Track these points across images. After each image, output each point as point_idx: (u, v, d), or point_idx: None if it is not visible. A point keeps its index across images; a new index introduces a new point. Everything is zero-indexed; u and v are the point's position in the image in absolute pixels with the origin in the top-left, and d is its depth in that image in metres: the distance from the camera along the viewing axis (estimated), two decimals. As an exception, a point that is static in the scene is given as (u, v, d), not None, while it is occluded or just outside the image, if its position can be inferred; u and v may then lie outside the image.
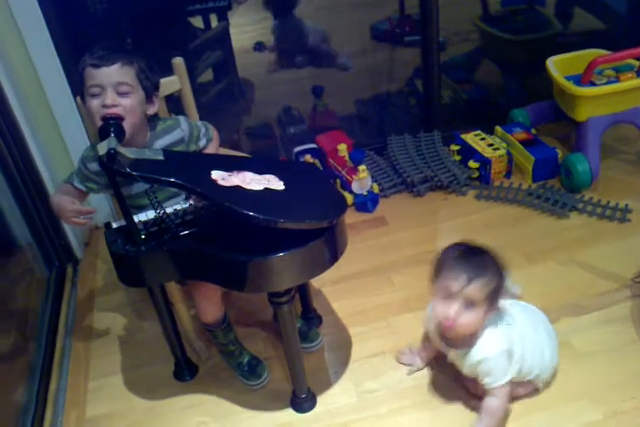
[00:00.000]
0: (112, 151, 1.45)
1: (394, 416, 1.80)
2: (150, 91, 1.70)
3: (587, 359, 1.89)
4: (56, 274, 2.47)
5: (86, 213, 1.68)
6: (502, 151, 2.76)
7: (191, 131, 1.82)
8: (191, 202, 1.69)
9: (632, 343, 1.93)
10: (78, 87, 1.67)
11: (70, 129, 2.52)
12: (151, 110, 1.73)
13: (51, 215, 2.46)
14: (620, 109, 2.62)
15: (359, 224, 2.62)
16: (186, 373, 2.02)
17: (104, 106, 1.59)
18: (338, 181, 2.78)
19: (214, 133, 1.92)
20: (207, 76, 3.21)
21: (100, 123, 1.58)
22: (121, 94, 1.61)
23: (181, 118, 1.84)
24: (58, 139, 2.57)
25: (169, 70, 1.97)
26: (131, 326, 2.28)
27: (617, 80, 2.58)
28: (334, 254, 1.64)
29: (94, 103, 1.60)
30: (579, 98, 2.58)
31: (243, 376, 1.96)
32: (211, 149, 1.90)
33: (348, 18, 3.27)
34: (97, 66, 1.59)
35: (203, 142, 1.87)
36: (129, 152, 1.50)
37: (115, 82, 1.60)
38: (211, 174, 1.58)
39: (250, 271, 1.55)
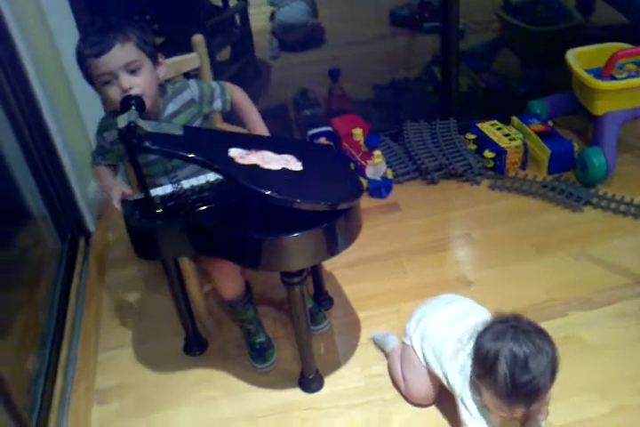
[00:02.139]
0: (132, 124, 1.45)
1: (399, 402, 1.81)
2: (154, 53, 1.65)
3: (596, 353, 1.90)
4: (68, 246, 2.47)
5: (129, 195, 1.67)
6: (518, 142, 2.75)
7: (202, 91, 1.76)
8: (210, 178, 1.69)
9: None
10: (84, 72, 1.60)
11: (86, 98, 2.51)
12: (162, 73, 1.69)
13: (64, 187, 2.47)
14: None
15: (372, 209, 2.62)
16: (196, 348, 2.04)
17: (123, 90, 1.56)
18: (352, 165, 2.78)
19: (238, 93, 1.84)
20: (224, 55, 3.21)
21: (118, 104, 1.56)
22: (132, 72, 1.58)
23: (191, 80, 1.80)
24: (73, 109, 2.58)
25: (187, 48, 1.96)
26: (142, 300, 2.29)
27: (637, 74, 2.57)
28: (349, 237, 1.64)
29: (111, 91, 1.57)
30: (598, 92, 2.57)
31: (252, 357, 1.97)
32: (242, 107, 1.84)
33: (367, 2, 3.26)
34: (98, 55, 1.54)
35: (218, 104, 1.80)
36: (148, 126, 1.50)
37: (122, 64, 1.56)
38: (229, 152, 1.58)
39: (264, 250, 1.55)
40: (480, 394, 1.49)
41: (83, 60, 1.58)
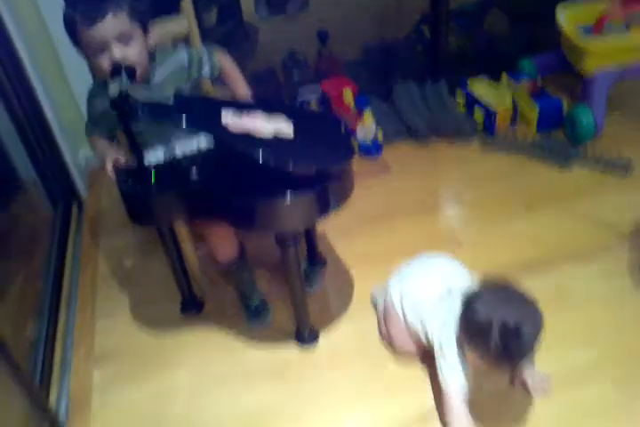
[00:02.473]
0: (123, 93, 1.45)
1: (391, 356, 1.86)
2: (145, 22, 1.61)
3: (582, 307, 1.94)
4: (61, 213, 2.49)
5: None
6: (508, 100, 2.76)
7: (191, 57, 1.73)
8: (202, 145, 1.70)
9: (628, 292, 1.98)
10: (73, 39, 1.55)
11: (73, 65, 2.48)
12: (151, 41, 1.65)
13: (55, 155, 2.48)
14: (629, 64, 2.61)
15: (363, 171, 2.62)
16: (192, 308, 2.07)
17: (113, 60, 1.53)
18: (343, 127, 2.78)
19: (225, 59, 1.81)
20: (212, 18, 3.17)
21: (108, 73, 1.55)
22: (124, 42, 1.54)
23: (180, 46, 1.78)
24: (61, 76, 2.56)
25: (175, 9, 1.94)
26: (137, 264, 2.32)
27: (627, 33, 2.56)
28: (341, 198, 1.67)
29: (102, 60, 1.54)
30: (587, 51, 2.56)
31: (247, 317, 2.01)
32: (228, 73, 1.82)
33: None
34: (89, 24, 1.49)
35: (206, 70, 1.77)
36: (140, 94, 1.50)
37: (114, 34, 1.51)
38: (221, 117, 1.58)
39: (258, 212, 1.58)
40: (464, 352, 1.54)
41: (72, 28, 1.53)
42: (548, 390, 1.67)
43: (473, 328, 1.47)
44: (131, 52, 1.55)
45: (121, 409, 1.80)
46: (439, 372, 1.61)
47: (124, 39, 1.53)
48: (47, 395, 1.80)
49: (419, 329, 1.71)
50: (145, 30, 1.62)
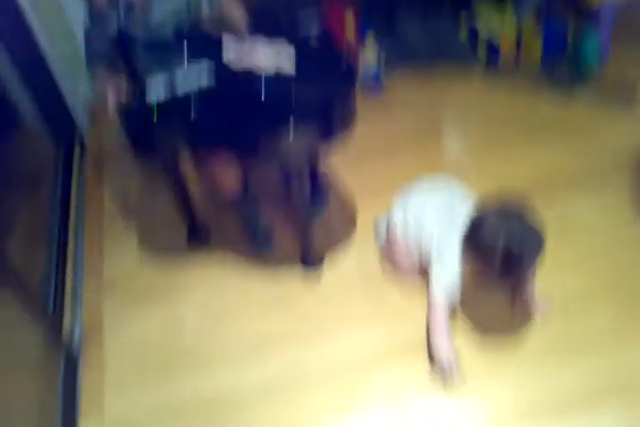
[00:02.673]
0: (124, 29, 1.44)
1: (396, 290, 1.89)
2: None
3: (582, 234, 1.97)
4: (65, 150, 2.49)
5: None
6: (512, 28, 2.70)
7: None
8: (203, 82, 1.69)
9: (627, 221, 2.00)
10: None
11: (73, 7, 2.45)
12: None
13: (54, 92, 2.46)
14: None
15: (364, 99, 2.60)
16: (198, 239, 2.10)
17: None
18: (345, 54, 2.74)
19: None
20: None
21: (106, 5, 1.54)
22: None
23: None
24: (58, 11, 2.51)
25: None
26: (142, 195, 2.34)
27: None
28: (344, 129, 1.68)
29: None
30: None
31: (255, 244, 2.05)
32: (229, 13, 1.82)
33: None
34: None
35: (205, 6, 1.73)
36: (142, 31, 1.49)
37: None
38: (222, 52, 1.57)
39: (264, 144, 1.59)
40: (464, 265, 1.59)
41: None
42: (547, 313, 1.72)
43: (478, 248, 1.51)
44: None
45: (132, 337, 1.85)
46: (431, 279, 1.65)
47: None
48: (61, 324, 1.85)
49: (420, 245, 1.74)
50: None
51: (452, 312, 1.67)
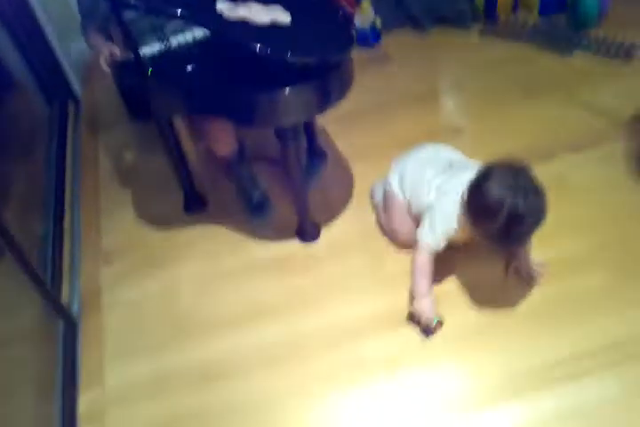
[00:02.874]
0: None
1: (391, 248, 1.89)
2: None
3: (579, 194, 1.96)
4: (58, 110, 2.46)
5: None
6: (510, -17, 2.65)
7: None
8: (197, 35, 1.65)
9: (624, 180, 1.98)
10: None
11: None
12: None
13: (46, 51, 2.41)
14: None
15: (361, 60, 2.52)
16: (195, 205, 2.09)
17: None
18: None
19: None
20: None
21: None
22: None
23: None
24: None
25: None
26: (138, 161, 2.32)
27: None
28: (341, 91, 1.64)
29: None
30: None
31: (249, 211, 2.03)
32: None
33: None
34: None
35: None
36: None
37: None
38: (216, 5, 1.53)
39: (257, 106, 1.56)
40: (460, 223, 1.58)
41: None
42: (543, 275, 1.71)
43: (481, 207, 1.48)
44: None
45: (131, 304, 1.86)
46: (420, 228, 1.65)
47: None
48: (59, 293, 1.86)
49: (417, 202, 1.73)
50: None
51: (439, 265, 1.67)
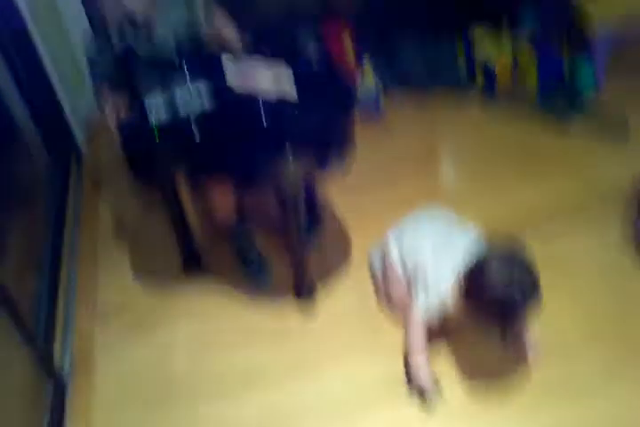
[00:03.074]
0: (129, 48, 1.44)
1: (390, 322, 1.87)
2: None
3: (574, 271, 1.96)
4: (61, 165, 2.48)
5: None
6: (508, 53, 2.72)
7: (190, 11, 1.71)
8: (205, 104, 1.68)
9: (623, 258, 1.98)
10: None
11: (71, 14, 2.46)
12: None
13: (53, 105, 2.45)
14: (633, 21, 2.55)
15: (363, 125, 2.60)
16: (193, 266, 2.09)
17: (121, 9, 1.55)
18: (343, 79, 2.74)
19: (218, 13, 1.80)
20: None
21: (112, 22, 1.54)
22: None
23: None
24: (59, 26, 2.51)
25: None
26: (138, 219, 2.33)
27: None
28: (343, 154, 1.68)
29: (109, 8, 1.56)
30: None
31: (248, 273, 2.03)
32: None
33: None
34: None
35: (201, 17, 1.75)
36: (144, 50, 1.49)
37: None
38: (225, 73, 1.57)
39: (261, 169, 1.60)
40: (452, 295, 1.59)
41: None
42: (538, 356, 1.69)
43: (480, 290, 1.50)
44: (137, 2, 1.56)
45: (123, 366, 1.83)
46: (414, 289, 1.68)
47: None
48: (51, 351, 1.83)
49: (413, 276, 1.73)
50: None
51: (433, 336, 1.67)
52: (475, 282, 1.52)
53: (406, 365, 1.67)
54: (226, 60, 1.57)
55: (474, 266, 1.53)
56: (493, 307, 1.48)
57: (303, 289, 1.94)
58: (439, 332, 1.71)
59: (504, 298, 1.45)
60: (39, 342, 1.77)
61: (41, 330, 1.86)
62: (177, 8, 1.71)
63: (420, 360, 1.63)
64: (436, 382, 1.63)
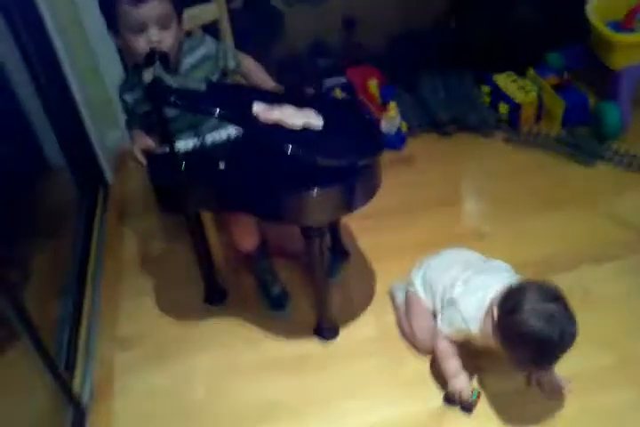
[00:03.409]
0: (157, 79, 1.47)
1: (410, 351, 1.87)
2: (181, 9, 1.64)
3: (603, 306, 1.95)
4: (88, 196, 2.52)
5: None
6: (533, 95, 2.74)
7: (217, 47, 1.76)
8: (231, 134, 1.71)
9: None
10: (109, 20, 1.59)
11: (103, 51, 2.51)
12: (182, 30, 1.67)
13: (83, 139, 2.50)
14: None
15: (386, 162, 2.59)
16: (215, 297, 2.09)
17: (150, 43, 1.55)
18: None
19: (248, 59, 1.84)
20: (238, 3, 3.16)
21: (142, 56, 1.57)
22: (163, 26, 1.56)
23: (206, 36, 1.80)
24: (91, 61, 2.57)
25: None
26: (161, 249, 2.35)
27: (658, 28, 2.54)
28: (368, 193, 1.69)
29: (139, 41, 1.56)
30: (615, 45, 2.53)
31: (268, 306, 2.04)
32: (252, 73, 1.85)
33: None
34: (135, 4, 1.52)
35: (232, 63, 1.78)
36: (173, 81, 1.52)
37: (156, 17, 1.54)
38: (252, 107, 1.59)
39: (286, 206, 1.60)
40: (481, 328, 1.58)
41: (111, 9, 1.55)
42: (567, 392, 1.67)
43: (514, 334, 1.48)
44: (168, 37, 1.58)
45: (142, 394, 1.83)
46: (439, 318, 1.70)
47: (163, 23, 1.56)
48: (71, 378, 1.83)
49: (440, 299, 1.74)
50: (180, 17, 1.63)
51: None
52: (510, 323, 1.48)
53: (448, 389, 1.69)
54: (256, 107, 1.59)
55: (509, 298, 1.51)
56: (527, 345, 1.45)
57: (325, 326, 1.94)
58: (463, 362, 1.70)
59: (542, 336, 1.42)
60: (60, 369, 1.78)
61: (62, 356, 1.87)
62: (205, 45, 1.75)
63: (459, 382, 1.65)
64: (479, 396, 1.66)
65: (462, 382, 1.65)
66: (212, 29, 2.01)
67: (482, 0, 3.07)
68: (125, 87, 1.70)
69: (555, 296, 1.49)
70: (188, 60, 1.72)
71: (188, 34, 1.84)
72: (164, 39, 1.57)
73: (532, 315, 1.44)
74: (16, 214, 2.00)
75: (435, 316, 1.79)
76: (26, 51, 2.20)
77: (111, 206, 2.50)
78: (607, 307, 1.95)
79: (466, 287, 1.67)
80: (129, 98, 1.69)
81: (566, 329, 1.45)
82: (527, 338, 1.44)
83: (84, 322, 2.01)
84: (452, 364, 1.67)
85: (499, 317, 1.51)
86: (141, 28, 1.55)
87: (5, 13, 2.11)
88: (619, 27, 2.55)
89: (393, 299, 2.01)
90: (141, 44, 1.56)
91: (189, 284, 2.13)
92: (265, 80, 1.84)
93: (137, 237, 2.40)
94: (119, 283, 2.20)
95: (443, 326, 1.68)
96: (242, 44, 2.06)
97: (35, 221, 2.15)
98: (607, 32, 2.53)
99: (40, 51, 2.24)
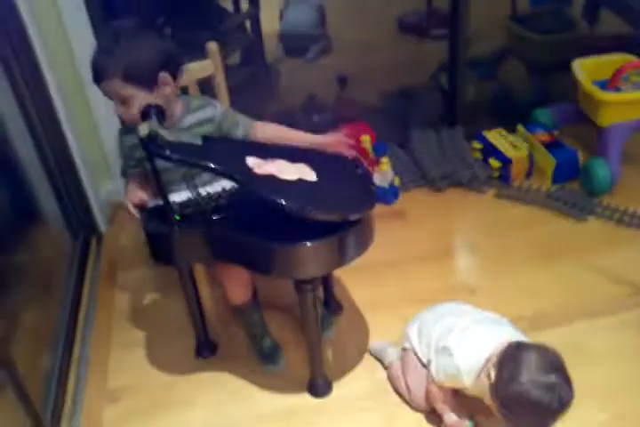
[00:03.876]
0: (153, 133, 1.50)
1: (404, 406, 1.84)
2: (150, 78, 1.64)
3: (597, 362, 1.94)
4: (80, 247, 2.51)
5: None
6: (524, 151, 2.79)
7: (225, 116, 1.80)
8: (226, 186, 1.73)
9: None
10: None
11: (99, 103, 2.53)
12: (167, 91, 1.67)
13: (77, 189, 2.52)
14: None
15: (379, 216, 2.60)
16: (206, 350, 2.07)
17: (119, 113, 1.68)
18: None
19: (268, 126, 1.87)
20: (234, 59, 3.24)
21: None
22: (123, 102, 1.64)
23: (215, 101, 1.84)
24: (87, 114, 2.61)
25: (198, 50, 1.98)
26: (153, 301, 2.33)
27: (643, 87, 2.61)
28: (361, 247, 1.70)
29: (115, 109, 1.68)
30: (603, 103, 2.60)
31: (261, 359, 2.01)
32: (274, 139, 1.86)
33: (375, 9, 3.29)
34: (96, 80, 1.64)
35: (239, 134, 1.80)
36: (169, 135, 1.54)
37: (114, 93, 1.63)
38: (246, 161, 1.62)
39: (277, 258, 1.61)
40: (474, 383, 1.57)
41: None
42: None
43: (513, 400, 1.46)
44: (130, 112, 1.64)
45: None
46: (432, 365, 1.70)
47: (122, 99, 1.64)
48: (57, 432, 1.80)
49: (434, 350, 1.72)
50: (152, 86, 1.65)
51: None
52: (509, 383, 1.46)
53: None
54: (251, 161, 1.62)
55: (508, 361, 1.49)
56: (527, 414, 1.45)
57: (318, 388, 1.91)
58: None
59: (543, 407, 1.42)
60: (45, 422, 1.74)
61: (48, 410, 1.82)
62: (211, 108, 1.79)
63: (453, 417, 1.66)
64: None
65: (454, 417, 1.66)
66: (206, 85, 2.05)
67: (473, 59, 3.15)
68: (125, 131, 1.77)
69: (555, 366, 1.47)
70: (189, 118, 1.76)
71: (184, 90, 1.87)
72: (124, 113, 1.66)
73: (533, 386, 1.43)
74: (6, 263, 1.99)
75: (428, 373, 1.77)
76: (24, 103, 2.24)
77: (104, 257, 2.50)
78: (600, 363, 1.93)
79: (463, 336, 1.66)
80: (128, 141, 1.73)
81: (566, 397, 1.44)
82: (527, 408, 1.44)
83: (73, 374, 1.97)
84: (446, 403, 1.68)
85: (497, 381, 1.49)
86: (110, 98, 1.66)
87: (6, 68, 2.17)
88: (604, 86, 2.62)
89: (381, 358, 1.99)
90: (117, 112, 1.68)
91: (181, 336, 2.11)
92: (293, 137, 1.87)
93: (129, 289, 2.39)
94: (110, 334, 2.18)
95: (436, 374, 1.67)
96: (236, 99, 2.09)
97: (26, 270, 2.14)
98: (596, 91, 2.60)
99: (38, 104, 2.28)
